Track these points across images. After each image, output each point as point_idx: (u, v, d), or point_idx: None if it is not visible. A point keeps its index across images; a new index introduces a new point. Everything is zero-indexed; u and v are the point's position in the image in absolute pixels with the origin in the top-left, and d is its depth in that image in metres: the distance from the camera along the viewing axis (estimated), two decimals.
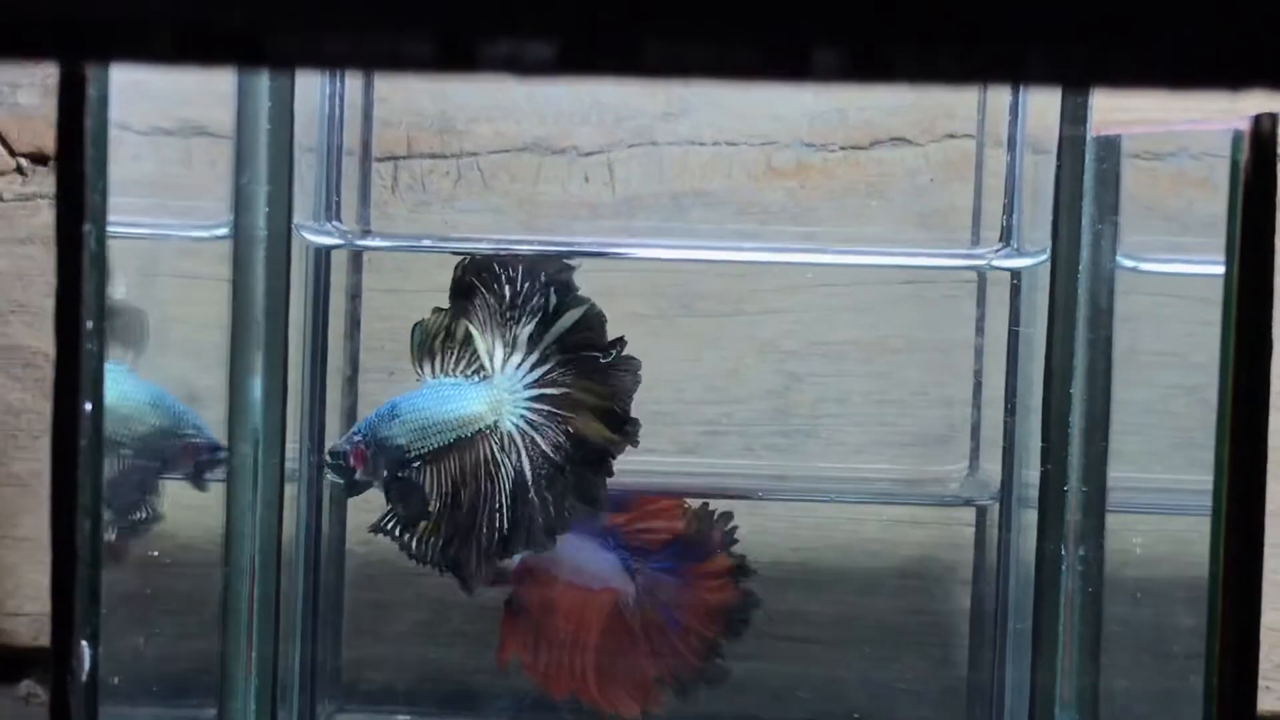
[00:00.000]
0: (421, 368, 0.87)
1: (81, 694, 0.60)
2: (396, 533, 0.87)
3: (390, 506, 0.87)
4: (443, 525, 0.86)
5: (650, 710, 0.91)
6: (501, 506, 0.87)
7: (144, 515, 0.84)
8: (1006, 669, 0.91)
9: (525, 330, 0.88)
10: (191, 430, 0.84)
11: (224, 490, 0.83)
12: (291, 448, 0.86)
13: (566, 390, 0.88)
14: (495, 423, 0.87)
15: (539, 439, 0.87)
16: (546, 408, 0.87)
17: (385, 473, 0.87)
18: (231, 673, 0.83)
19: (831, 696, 0.97)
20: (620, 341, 0.89)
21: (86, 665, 0.60)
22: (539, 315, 0.88)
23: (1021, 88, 0.91)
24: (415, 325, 0.88)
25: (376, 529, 0.88)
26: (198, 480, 0.84)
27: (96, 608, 0.60)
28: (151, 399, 0.83)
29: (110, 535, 0.81)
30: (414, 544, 0.87)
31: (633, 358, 0.89)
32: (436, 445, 0.87)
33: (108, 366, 0.73)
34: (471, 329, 0.87)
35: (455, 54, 0.38)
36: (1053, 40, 0.37)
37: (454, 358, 0.87)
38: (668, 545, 0.92)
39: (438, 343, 0.87)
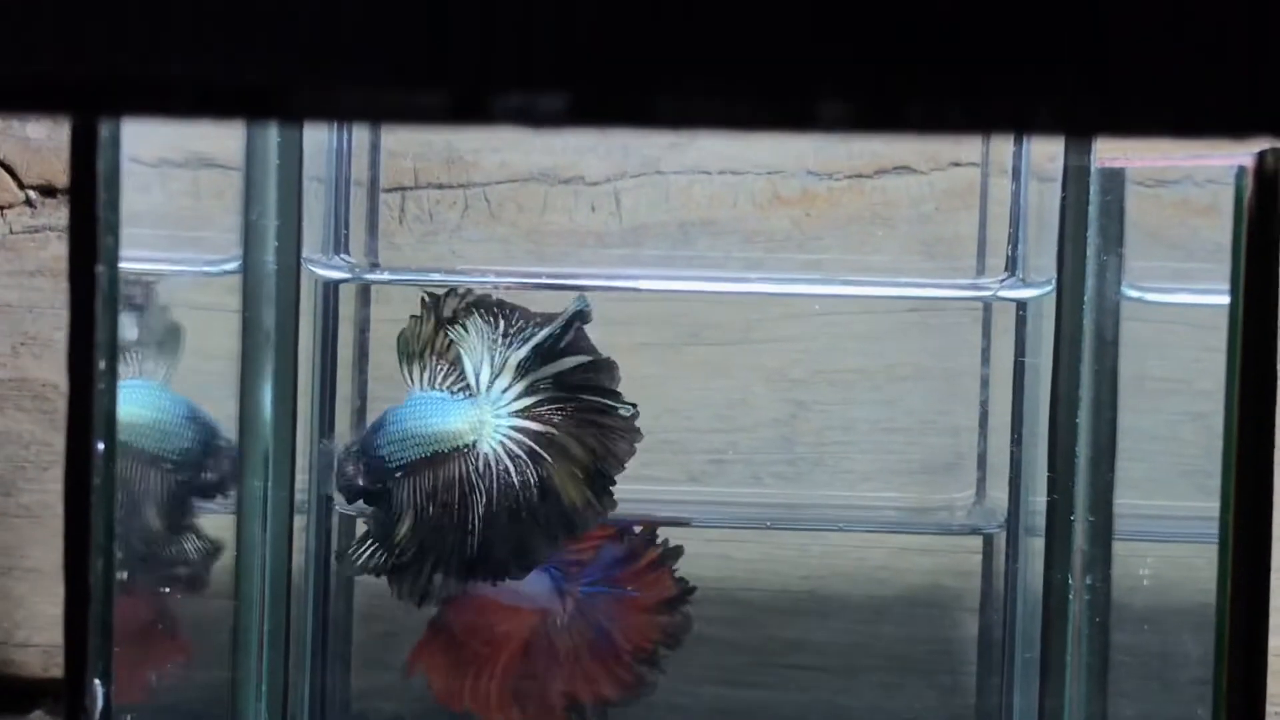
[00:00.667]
0: (410, 378, 0.86)
1: None
2: (368, 548, 0.86)
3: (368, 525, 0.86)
4: (406, 539, 0.85)
5: None
6: (473, 529, 0.85)
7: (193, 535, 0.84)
8: (1014, 697, 0.91)
9: (516, 355, 0.86)
10: (225, 442, 0.84)
11: (234, 522, 0.83)
12: (301, 479, 0.86)
13: (552, 430, 0.86)
14: (474, 443, 0.86)
15: (512, 470, 0.85)
16: (527, 441, 0.86)
17: (376, 483, 0.86)
18: (242, 704, 0.83)
19: None
20: (632, 406, 0.87)
21: (100, 704, 0.60)
22: (534, 342, 0.86)
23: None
24: (399, 335, 0.86)
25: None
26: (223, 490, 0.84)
27: (109, 646, 0.60)
28: (188, 413, 0.83)
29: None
30: (374, 555, 0.85)
31: (636, 425, 0.86)
32: (414, 457, 0.85)
33: (141, 383, 0.73)
34: (458, 343, 0.86)
35: (468, 106, 0.39)
36: (1060, 93, 0.37)
37: (441, 370, 0.86)
38: (603, 566, 0.91)
39: (424, 353, 0.86)
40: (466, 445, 0.85)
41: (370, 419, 0.94)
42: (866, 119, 0.38)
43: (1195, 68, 0.38)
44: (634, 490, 0.97)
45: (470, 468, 0.85)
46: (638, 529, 0.90)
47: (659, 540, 0.90)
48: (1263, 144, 0.39)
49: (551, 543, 0.85)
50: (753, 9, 0.37)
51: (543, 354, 0.86)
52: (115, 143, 0.59)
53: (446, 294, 0.86)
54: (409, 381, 0.86)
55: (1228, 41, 0.37)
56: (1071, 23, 0.37)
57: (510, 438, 0.85)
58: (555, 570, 0.89)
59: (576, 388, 0.87)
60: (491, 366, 0.86)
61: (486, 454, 0.85)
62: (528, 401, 0.86)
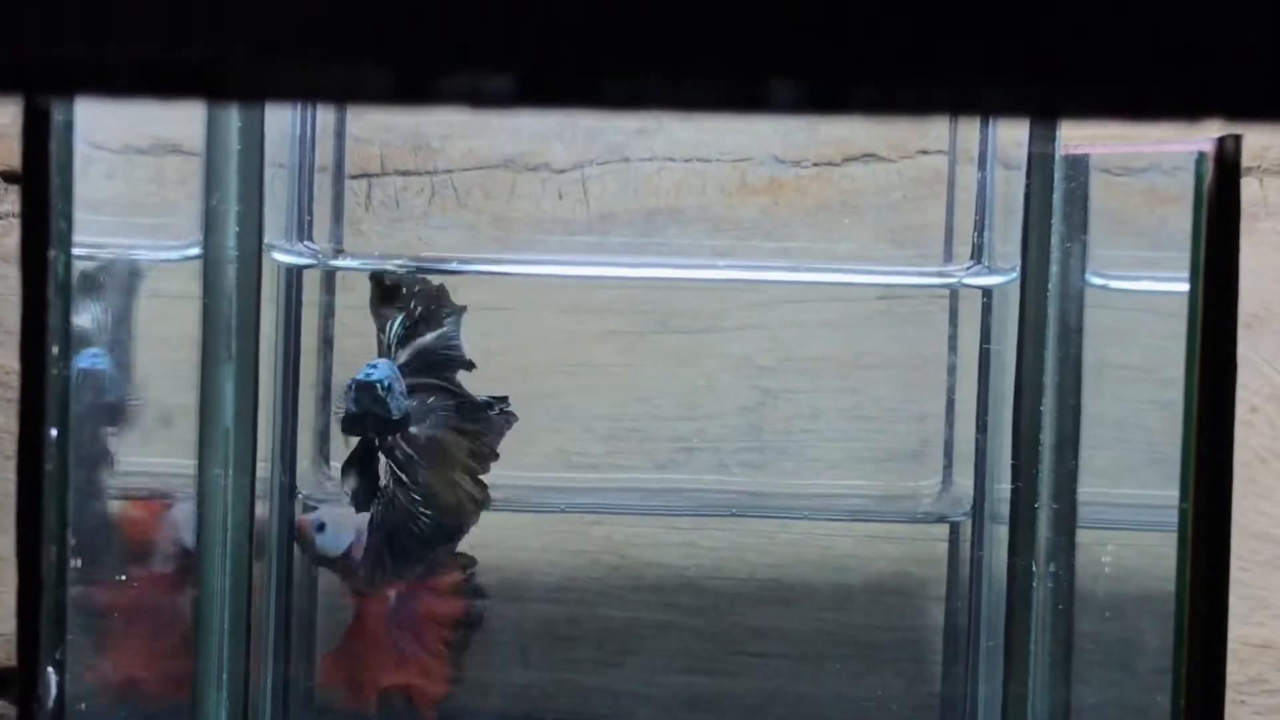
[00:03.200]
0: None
1: None
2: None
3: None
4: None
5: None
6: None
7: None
8: (979, 684, 0.91)
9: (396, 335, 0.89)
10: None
11: (194, 511, 0.82)
12: (263, 468, 0.86)
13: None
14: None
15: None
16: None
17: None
18: (203, 693, 0.83)
19: (805, 713, 0.97)
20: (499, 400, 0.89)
21: (53, 692, 0.60)
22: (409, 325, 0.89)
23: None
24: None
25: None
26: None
27: (63, 633, 0.60)
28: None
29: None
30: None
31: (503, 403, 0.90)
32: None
33: None
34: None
35: (413, 87, 0.38)
36: (1010, 75, 0.37)
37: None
38: None
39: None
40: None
41: (334, 407, 0.94)
42: (816, 101, 0.38)
43: (1145, 49, 0.37)
44: (601, 479, 0.97)
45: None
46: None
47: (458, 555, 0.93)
48: (1216, 127, 0.38)
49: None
50: None
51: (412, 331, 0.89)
52: (68, 128, 0.58)
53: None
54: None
55: (1179, 22, 0.37)
56: (1020, 3, 0.36)
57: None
58: None
59: (437, 365, 0.90)
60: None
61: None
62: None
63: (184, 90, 0.38)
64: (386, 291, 0.90)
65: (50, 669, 0.60)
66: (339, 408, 0.88)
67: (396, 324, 0.90)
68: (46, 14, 0.36)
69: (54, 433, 0.59)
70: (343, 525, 0.90)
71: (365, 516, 0.89)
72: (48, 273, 0.58)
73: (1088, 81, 0.37)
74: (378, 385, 0.86)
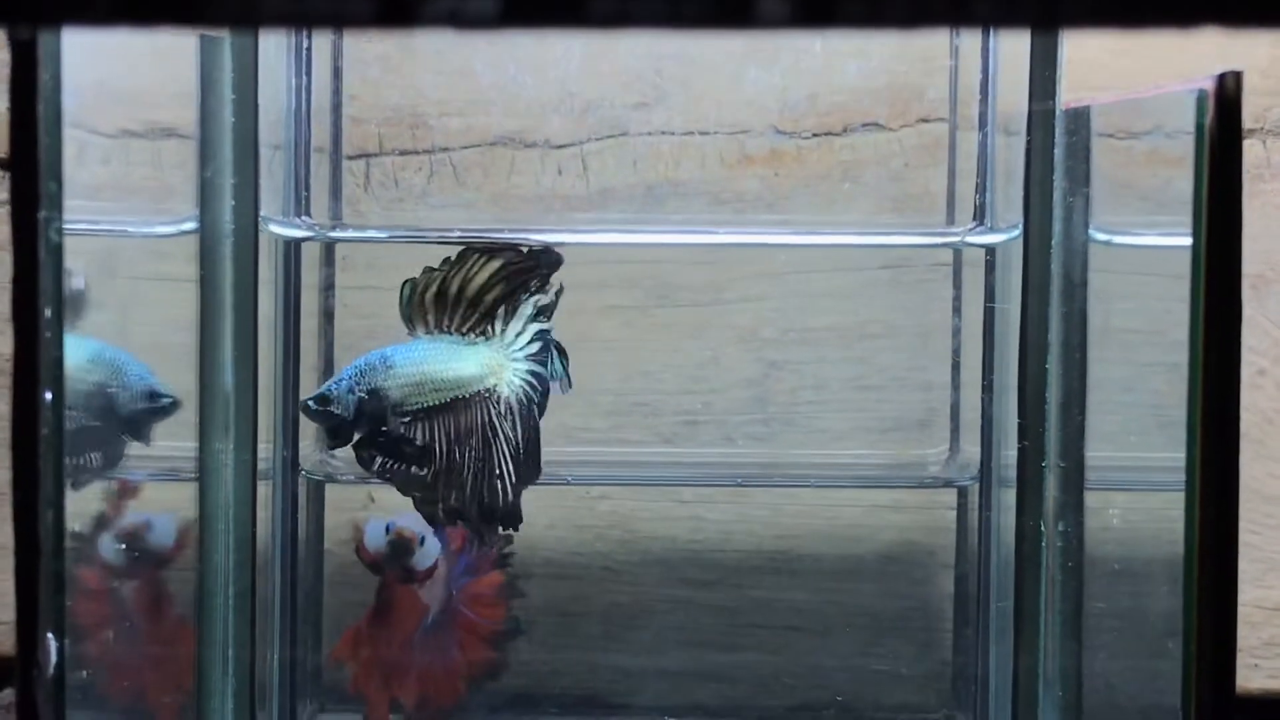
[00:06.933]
0: (412, 324, 0.86)
1: (49, 689, 0.59)
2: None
3: (383, 460, 0.86)
4: (439, 485, 0.86)
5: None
6: (502, 473, 0.86)
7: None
8: (990, 649, 0.91)
9: (526, 306, 0.87)
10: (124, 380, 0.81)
11: (195, 489, 0.82)
12: (265, 446, 0.85)
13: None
14: (494, 386, 0.86)
15: (529, 413, 0.86)
16: (539, 386, 0.87)
17: (372, 425, 0.85)
18: (208, 673, 0.82)
19: (816, 682, 0.96)
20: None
21: (53, 659, 0.59)
22: (536, 301, 0.87)
23: (990, 63, 0.90)
24: (405, 282, 0.86)
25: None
26: (138, 433, 0.81)
27: (61, 601, 0.59)
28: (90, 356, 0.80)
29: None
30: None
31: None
32: (433, 403, 0.86)
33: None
34: (485, 292, 0.86)
35: (396, 9, 0.37)
36: None
37: (448, 316, 0.86)
38: (460, 570, 0.92)
39: (429, 298, 0.86)
40: (487, 390, 0.86)
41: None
42: (805, 15, 0.38)
43: None
44: (606, 453, 0.97)
45: (493, 412, 0.86)
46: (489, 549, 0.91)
47: (506, 555, 0.91)
48: (1210, 32, 0.38)
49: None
50: None
51: (541, 309, 0.87)
52: (56, 87, 0.58)
53: (465, 249, 0.87)
54: (410, 327, 0.86)
55: None
56: None
57: (526, 381, 0.86)
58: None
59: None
60: (506, 313, 0.86)
61: (506, 397, 0.86)
62: (534, 348, 0.87)
63: (162, 17, 0.37)
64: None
65: (50, 636, 0.59)
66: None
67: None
68: None
69: (49, 396, 0.58)
70: (430, 537, 0.89)
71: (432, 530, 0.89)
72: (38, 235, 0.57)
73: None
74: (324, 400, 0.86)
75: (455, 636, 0.91)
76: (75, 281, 0.68)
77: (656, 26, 0.38)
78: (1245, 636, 0.97)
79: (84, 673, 0.73)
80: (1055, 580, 0.81)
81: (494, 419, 0.86)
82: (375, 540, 0.89)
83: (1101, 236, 0.80)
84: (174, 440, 0.82)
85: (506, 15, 0.38)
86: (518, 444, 0.86)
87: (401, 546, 0.88)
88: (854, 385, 0.97)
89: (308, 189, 0.93)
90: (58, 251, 0.58)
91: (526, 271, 0.87)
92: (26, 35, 0.49)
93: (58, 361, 0.59)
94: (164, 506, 0.84)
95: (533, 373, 0.87)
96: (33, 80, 0.53)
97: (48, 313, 0.58)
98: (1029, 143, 0.81)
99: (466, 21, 0.38)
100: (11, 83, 0.54)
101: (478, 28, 0.38)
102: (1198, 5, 0.37)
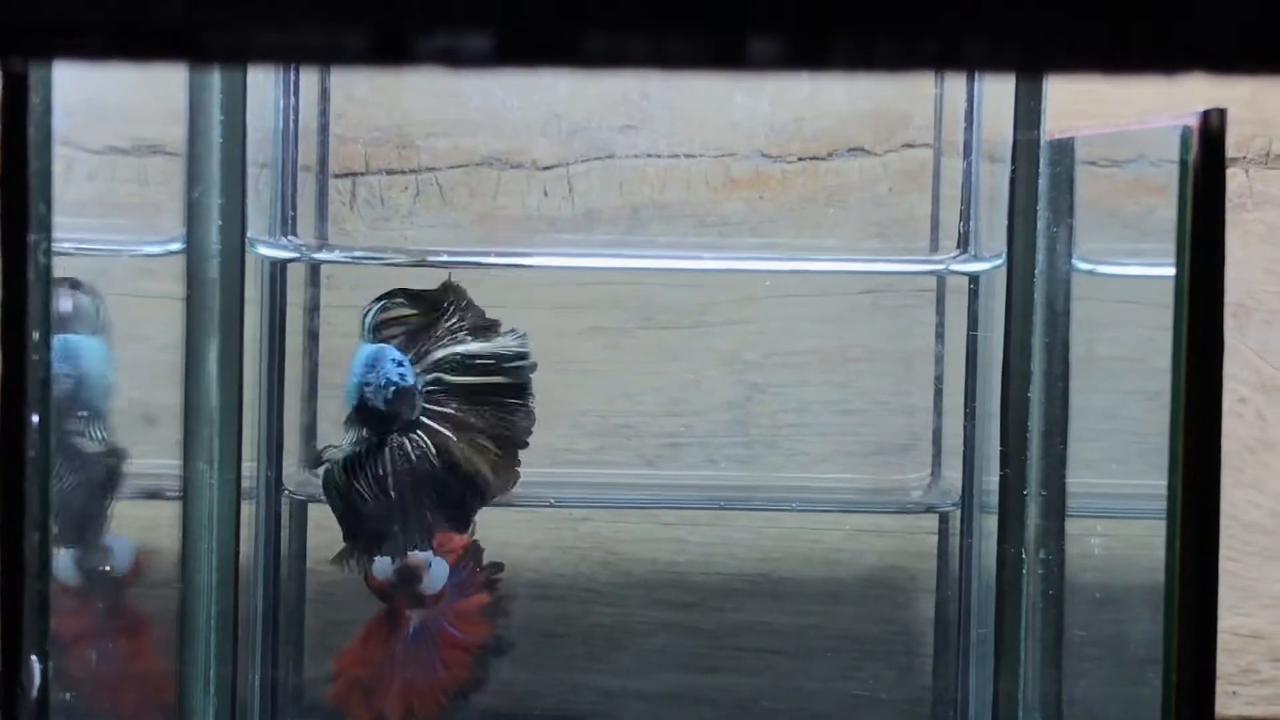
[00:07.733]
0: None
1: (32, 711, 0.59)
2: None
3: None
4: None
5: None
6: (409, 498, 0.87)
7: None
8: (970, 675, 0.91)
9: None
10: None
11: (179, 508, 0.82)
12: (249, 466, 0.85)
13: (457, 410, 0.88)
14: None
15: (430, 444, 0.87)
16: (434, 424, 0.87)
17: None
18: (190, 691, 0.82)
19: (796, 705, 0.97)
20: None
21: (37, 681, 0.59)
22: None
23: (975, 90, 0.91)
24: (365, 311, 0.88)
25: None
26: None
27: (46, 622, 0.59)
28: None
29: None
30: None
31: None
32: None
33: None
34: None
35: (391, 47, 0.38)
36: (990, 28, 0.37)
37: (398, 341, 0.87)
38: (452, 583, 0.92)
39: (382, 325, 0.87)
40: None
41: (320, 404, 0.94)
42: (796, 57, 0.38)
43: (1127, 2, 0.37)
44: (589, 474, 0.97)
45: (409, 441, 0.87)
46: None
47: (495, 578, 0.91)
48: (1196, 79, 0.38)
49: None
50: None
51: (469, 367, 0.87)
52: (47, 110, 0.58)
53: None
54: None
55: None
56: None
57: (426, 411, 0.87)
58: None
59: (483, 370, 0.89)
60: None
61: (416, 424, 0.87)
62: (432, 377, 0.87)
63: (156, 52, 0.37)
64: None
65: (34, 658, 0.59)
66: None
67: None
68: None
69: (35, 419, 0.58)
70: (436, 561, 0.89)
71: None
72: (28, 257, 0.57)
73: (1070, 35, 0.37)
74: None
75: (439, 654, 0.91)
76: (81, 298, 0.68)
77: (650, 67, 0.39)
78: (1223, 664, 0.98)
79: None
80: (1036, 607, 0.81)
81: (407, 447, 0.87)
82: (383, 569, 0.89)
83: (1085, 266, 0.80)
84: (158, 459, 0.82)
85: (501, 54, 0.38)
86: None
87: (409, 574, 0.88)
88: (836, 409, 0.97)
89: (294, 207, 0.93)
90: (47, 274, 0.59)
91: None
92: (20, 69, 0.49)
93: (45, 383, 0.59)
94: (144, 525, 0.84)
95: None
96: (24, 108, 0.53)
97: (36, 335, 0.58)
98: (1013, 172, 0.81)
99: (462, 60, 0.38)
100: (3, 110, 0.54)
101: (473, 66, 0.38)
102: (1184, 52, 0.37)
